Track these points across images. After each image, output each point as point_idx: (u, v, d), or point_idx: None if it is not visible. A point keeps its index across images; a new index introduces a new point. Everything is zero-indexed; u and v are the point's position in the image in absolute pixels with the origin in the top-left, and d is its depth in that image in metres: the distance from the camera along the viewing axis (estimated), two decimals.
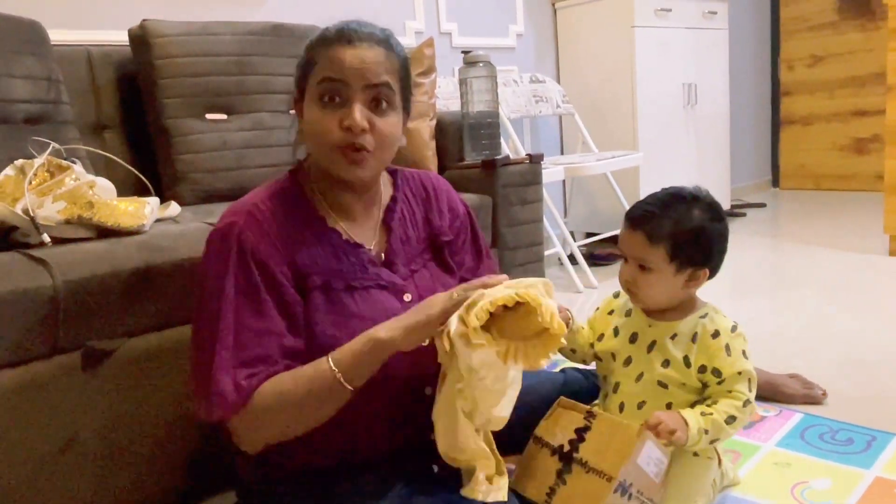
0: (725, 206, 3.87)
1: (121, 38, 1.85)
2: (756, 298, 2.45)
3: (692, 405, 1.12)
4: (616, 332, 1.21)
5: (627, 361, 1.18)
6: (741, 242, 3.43)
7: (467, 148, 1.98)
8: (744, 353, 1.11)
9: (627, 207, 3.17)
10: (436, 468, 1.06)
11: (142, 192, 1.55)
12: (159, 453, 1.21)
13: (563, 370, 1.43)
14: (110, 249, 1.19)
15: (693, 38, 3.49)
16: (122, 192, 1.42)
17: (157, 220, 1.44)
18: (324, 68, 1.00)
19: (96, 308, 1.12)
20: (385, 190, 1.17)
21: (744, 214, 4.05)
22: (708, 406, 1.09)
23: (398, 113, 1.05)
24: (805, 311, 2.24)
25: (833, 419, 1.48)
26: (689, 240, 1.10)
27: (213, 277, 0.98)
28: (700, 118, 3.57)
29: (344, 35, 1.00)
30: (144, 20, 1.80)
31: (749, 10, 4.54)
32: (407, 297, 1.09)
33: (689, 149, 3.55)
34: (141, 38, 1.79)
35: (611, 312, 1.24)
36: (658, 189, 1.17)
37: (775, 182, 4.94)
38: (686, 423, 1.05)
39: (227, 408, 0.94)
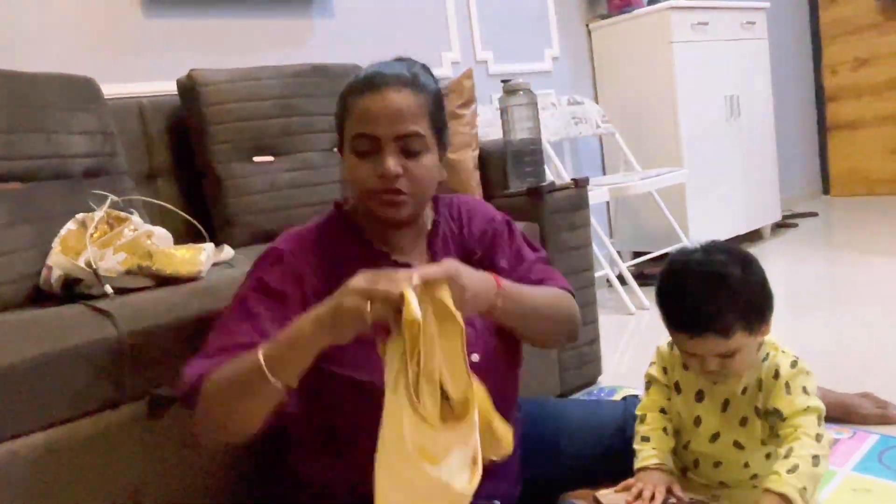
0: (776, 217, 3.78)
1: (169, 87, 1.90)
2: (816, 314, 2.37)
3: (766, 456, 1.08)
4: (678, 388, 1.15)
5: (697, 421, 1.12)
6: (795, 255, 3.34)
7: (511, 176, 1.98)
8: (805, 389, 1.04)
9: (676, 226, 3.12)
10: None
11: (196, 236, 1.58)
12: (223, 496, 1.22)
13: (623, 398, 1.40)
14: (170, 298, 1.22)
15: (733, 49, 3.44)
16: (176, 239, 1.45)
17: (213, 265, 1.46)
18: (356, 122, 1.03)
19: (159, 356, 1.14)
20: (428, 218, 1.18)
21: (796, 225, 3.94)
22: (785, 458, 1.00)
23: (433, 153, 1.06)
24: (870, 324, 2.16)
25: None
26: (756, 305, 1.04)
27: (245, 277, 1.07)
28: (744, 130, 3.51)
29: (371, 82, 1.03)
30: (192, 70, 1.85)
31: (788, 17, 4.47)
32: None
33: (735, 161, 3.48)
34: (189, 87, 1.84)
35: (664, 369, 1.19)
36: (702, 238, 1.09)
37: (826, 190, 4.81)
38: (788, 498, 0.96)
39: (182, 388, 0.96)
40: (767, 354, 1.09)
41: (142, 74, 2.05)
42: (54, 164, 1.47)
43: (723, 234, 3.42)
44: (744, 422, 1.08)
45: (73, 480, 1.06)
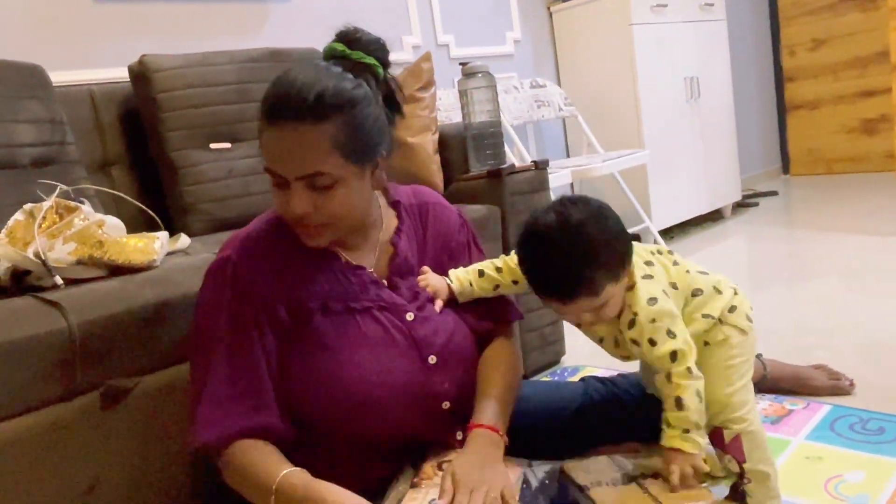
0: (736, 196, 3.84)
1: (121, 74, 1.86)
2: (775, 289, 2.42)
3: None
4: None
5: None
6: (755, 233, 3.40)
7: (472, 159, 1.98)
8: (650, 340, 1.04)
9: (638, 206, 3.16)
10: None
11: (152, 226, 1.55)
12: (182, 487, 1.21)
13: (583, 379, 1.42)
14: (123, 287, 1.19)
15: (692, 31, 3.47)
16: (132, 228, 1.42)
17: (169, 254, 1.44)
18: (263, 153, 0.97)
19: (112, 347, 1.12)
20: (386, 213, 1.17)
21: (756, 204, 4.01)
22: (663, 411, 1.06)
23: (347, 182, 0.99)
24: (826, 299, 2.21)
25: (862, 409, 1.45)
26: (616, 257, 1.04)
27: (209, 311, 1.02)
28: (704, 111, 3.55)
29: (272, 111, 0.94)
30: (143, 55, 1.81)
31: None
32: (409, 317, 1.10)
33: (696, 142, 3.53)
34: (141, 74, 1.80)
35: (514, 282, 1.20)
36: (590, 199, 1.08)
37: (785, 169, 4.90)
38: (684, 452, 1.02)
39: (204, 449, 0.98)
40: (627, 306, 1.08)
41: (92, 61, 2.00)
42: (0, 153, 1.43)
43: (684, 213, 3.48)
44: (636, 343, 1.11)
45: (28, 474, 1.04)
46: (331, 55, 1.05)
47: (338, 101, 0.95)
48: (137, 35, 2.09)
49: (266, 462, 0.96)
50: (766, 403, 1.53)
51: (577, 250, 1.00)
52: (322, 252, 1.08)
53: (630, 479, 1.15)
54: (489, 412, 1.07)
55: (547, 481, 1.09)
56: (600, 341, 1.18)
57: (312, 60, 1.06)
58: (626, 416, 1.29)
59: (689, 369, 1.04)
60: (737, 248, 3.25)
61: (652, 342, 1.05)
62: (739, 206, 3.95)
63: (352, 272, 1.09)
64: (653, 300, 1.06)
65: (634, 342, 1.07)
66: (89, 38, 2.01)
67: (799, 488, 1.21)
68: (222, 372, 1.00)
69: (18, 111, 1.49)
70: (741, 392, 1.11)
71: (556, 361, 1.98)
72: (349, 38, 1.06)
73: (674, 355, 1.04)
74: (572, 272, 1.01)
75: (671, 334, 1.05)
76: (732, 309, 1.12)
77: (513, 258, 1.20)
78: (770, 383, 1.56)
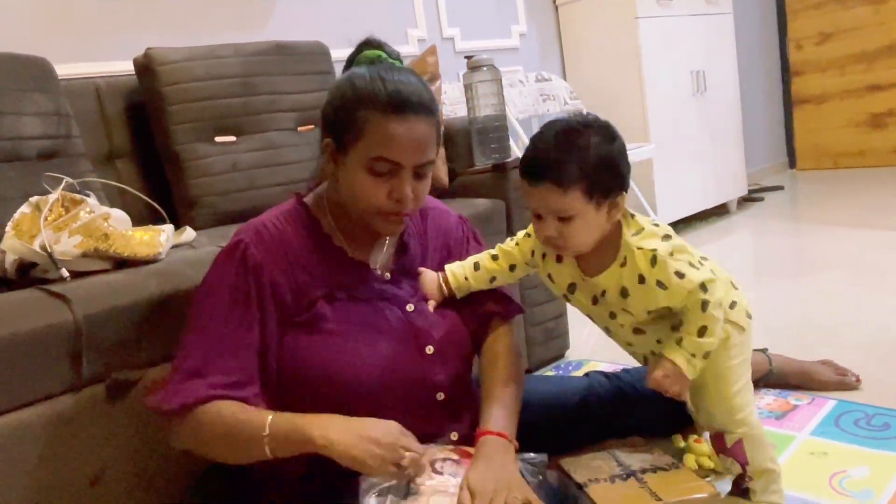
0: (742, 191, 3.83)
1: (127, 67, 1.86)
2: (780, 284, 2.41)
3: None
4: (550, 278, 1.17)
5: (589, 311, 1.17)
6: (761, 227, 3.39)
7: (477, 153, 1.97)
8: (677, 273, 1.02)
9: (643, 200, 3.16)
10: None
11: (157, 219, 1.56)
12: (186, 478, 1.21)
13: (587, 374, 1.42)
14: (128, 280, 1.20)
15: (698, 24, 3.46)
16: (137, 221, 1.43)
17: (174, 247, 1.45)
18: (377, 145, 1.01)
19: (118, 339, 1.13)
20: None
21: (762, 199, 4.00)
22: (676, 333, 1.06)
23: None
24: (832, 294, 2.21)
25: (868, 404, 1.45)
26: (602, 171, 1.02)
27: (213, 284, 1.05)
28: (711, 105, 3.54)
29: (397, 106, 1.01)
30: (149, 48, 1.81)
31: None
32: (409, 308, 1.12)
33: (702, 136, 3.51)
34: (146, 67, 1.80)
35: (544, 256, 1.17)
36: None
37: (792, 163, 4.88)
38: (675, 364, 1.03)
39: (175, 405, 0.99)
40: (625, 259, 1.06)
41: (97, 54, 2.00)
42: (6, 146, 1.43)
43: (690, 208, 3.47)
44: (612, 315, 1.12)
45: (35, 465, 1.05)
46: (375, 61, 1.09)
47: (433, 98, 1.07)
48: (143, 28, 2.08)
49: (250, 412, 0.99)
50: (771, 398, 1.53)
51: (566, 137, 1.02)
52: (330, 247, 1.10)
53: (629, 474, 1.16)
54: (497, 417, 1.07)
55: (541, 476, 1.08)
56: (593, 300, 1.14)
57: (403, 65, 1.11)
58: (630, 411, 1.29)
59: (720, 300, 1.04)
60: (742, 242, 3.24)
61: (679, 274, 1.02)
62: (745, 200, 3.94)
63: (357, 267, 1.11)
64: (667, 237, 1.06)
65: (659, 284, 1.03)
66: (95, 32, 2.01)
67: (803, 483, 1.21)
68: (213, 342, 1.02)
69: (25, 104, 1.49)
70: (742, 393, 1.11)
71: (561, 356, 1.98)
72: (377, 44, 1.13)
73: (703, 285, 1.02)
74: (551, 152, 1.02)
75: (693, 266, 1.04)
76: (733, 305, 1.11)
77: (508, 243, 1.20)
78: (775, 378, 1.56)
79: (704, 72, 3.47)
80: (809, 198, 3.95)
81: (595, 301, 1.13)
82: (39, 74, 1.59)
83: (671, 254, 1.03)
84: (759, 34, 4.59)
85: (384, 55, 1.11)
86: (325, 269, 1.08)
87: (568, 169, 1.00)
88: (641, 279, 1.04)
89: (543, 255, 1.17)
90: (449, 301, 1.17)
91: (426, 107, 1.03)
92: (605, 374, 1.37)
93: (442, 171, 1.94)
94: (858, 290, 2.20)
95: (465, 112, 2.09)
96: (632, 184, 3.11)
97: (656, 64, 3.23)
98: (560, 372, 1.88)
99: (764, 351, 1.58)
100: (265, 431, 0.94)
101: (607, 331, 1.19)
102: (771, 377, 1.56)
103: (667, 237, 1.06)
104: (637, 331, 1.12)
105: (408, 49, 2.78)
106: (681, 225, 3.52)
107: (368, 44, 1.13)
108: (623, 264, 1.06)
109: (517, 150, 2.64)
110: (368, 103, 1.01)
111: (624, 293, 1.07)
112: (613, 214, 1.05)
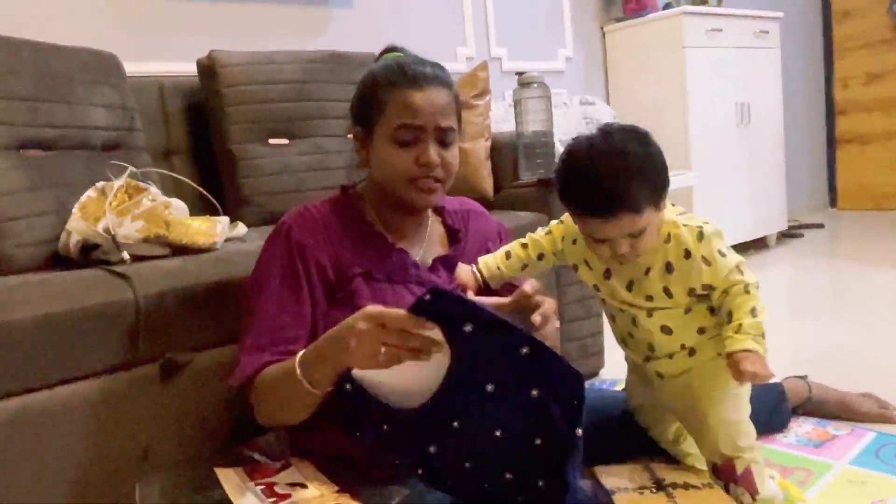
0: (782, 226, 3.79)
1: (189, 68, 1.93)
2: (819, 319, 2.38)
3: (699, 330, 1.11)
4: (587, 264, 1.16)
5: (619, 304, 1.15)
6: (800, 264, 3.35)
7: (522, 167, 2.00)
8: (720, 251, 1.04)
9: None
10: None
11: (210, 214, 1.60)
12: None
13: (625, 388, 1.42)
14: (186, 266, 1.24)
15: (745, 57, 3.46)
16: (191, 214, 1.47)
17: (226, 240, 1.49)
18: (398, 114, 1.09)
19: (174, 322, 1.17)
20: (433, 217, 1.25)
21: (801, 235, 3.95)
22: (729, 322, 1.03)
23: (456, 142, 1.15)
24: (871, 330, 2.17)
25: None
26: (657, 176, 1.03)
27: (264, 265, 1.11)
28: (754, 137, 3.53)
29: (413, 78, 1.09)
30: (212, 51, 1.88)
31: (801, 29, 4.48)
32: None
33: (743, 168, 3.50)
34: (208, 68, 1.87)
35: (574, 241, 1.17)
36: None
37: (833, 202, 4.82)
38: (756, 353, 0.99)
39: (240, 379, 1.04)
40: (669, 235, 1.07)
41: (163, 54, 2.09)
42: (75, 134, 1.49)
43: (728, 238, 3.43)
44: (649, 298, 1.10)
45: (88, 435, 1.09)
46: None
47: (450, 76, 1.15)
48: (207, 32, 2.17)
49: (285, 362, 1.01)
50: (810, 427, 1.51)
51: (621, 163, 1.00)
52: (371, 233, 1.15)
53: (659, 488, 1.15)
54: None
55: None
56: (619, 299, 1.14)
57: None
58: None
59: (756, 282, 1.05)
60: (781, 276, 3.20)
61: (721, 253, 1.05)
62: (784, 235, 3.90)
63: (396, 253, 1.15)
64: (706, 222, 1.07)
65: (704, 259, 1.04)
66: (162, 33, 2.10)
67: None
68: (267, 318, 1.06)
69: (94, 96, 1.56)
70: (749, 418, 1.12)
71: (595, 374, 1.97)
72: (399, 49, 1.21)
73: (739, 267, 1.04)
74: (616, 183, 0.99)
75: (724, 253, 1.06)
76: None
77: (538, 234, 1.21)
78: (813, 406, 1.55)
79: (749, 104, 3.47)
80: (850, 237, 3.90)
81: (630, 287, 1.11)
82: (109, 69, 1.66)
83: (716, 233, 1.07)
84: (806, 71, 4.57)
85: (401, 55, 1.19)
86: (366, 252, 1.13)
87: (640, 194, 1.01)
88: (687, 254, 1.06)
89: (574, 241, 1.16)
90: (483, 293, 1.19)
91: (441, 78, 1.11)
92: None
93: (487, 182, 1.97)
94: None
95: (509, 129, 2.13)
96: None
97: (701, 93, 3.24)
98: (595, 388, 1.87)
99: (804, 378, 1.57)
100: (297, 369, 0.96)
101: (629, 336, 1.18)
102: (809, 404, 1.54)
103: (706, 222, 1.08)
104: (665, 329, 1.11)
105: (456, 66, 2.83)
106: None
107: (390, 49, 1.21)
108: (667, 241, 1.07)
109: None
110: (387, 83, 1.10)
111: (669, 268, 1.07)
112: (662, 208, 1.07)
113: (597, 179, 1.00)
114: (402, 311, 0.86)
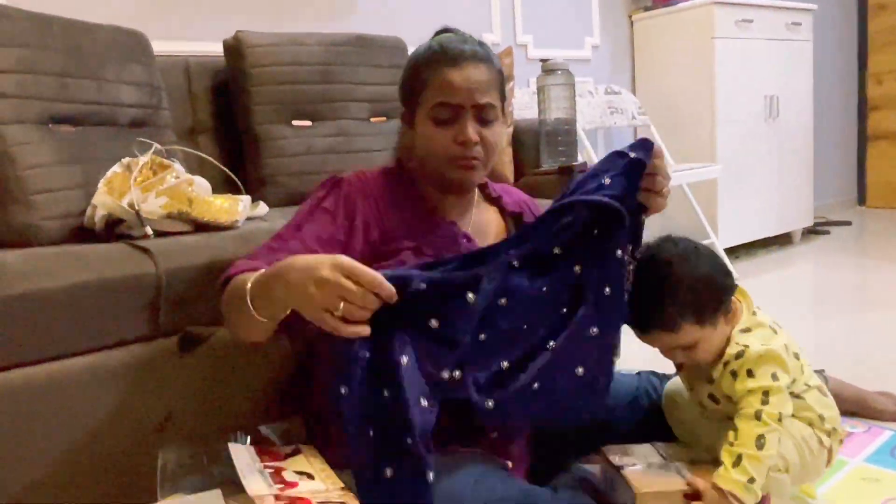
0: (808, 222, 3.73)
1: (215, 49, 1.95)
2: (841, 317, 2.35)
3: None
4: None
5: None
6: (825, 261, 3.31)
7: (544, 155, 2.00)
8: (750, 372, 1.06)
9: (705, 222, 3.09)
10: (509, 463, 1.08)
11: (232, 192, 1.63)
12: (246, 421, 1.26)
13: (638, 373, 1.42)
14: (207, 242, 1.26)
15: (776, 49, 3.41)
16: (214, 192, 1.49)
17: (248, 219, 1.51)
18: (437, 93, 1.10)
19: (195, 296, 1.19)
20: (479, 198, 1.26)
21: (827, 232, 3.90)
22: (730, 446, 1.03)
23: (500, 122, 1.16)
24: (893, 329, 2.14)
25: None
26: (700, 296, 1.07)
27: (303, 206, 1.14)
28: (782, 131, 3.48)
29: (452, 57, 1.10)
30: (238, 31, 1.89)
31: (835, 22, 4.39)
32: None
33: (770, 162, 3.45)
34: (235, 48, 1.89)
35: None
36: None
37: (861, 200, 4.74)
38: (737, 499, 0.99)
39: (221, 279, 1.03)
40: (727, 359, 1.10)
41: (190, 34, 2.11)
42: (104, 110, 1.52)
43: (752, 233, 3.40)
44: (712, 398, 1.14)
45: (108, 403, 1.12)
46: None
47: (497, 59, 1.17)
48: (234, 13, 2.18)
49: (247, 275, 0.97)
50: None
51: (656, 284, 1.07)
52: (423, 206, 1.17)
53: (667, 464, 1.16)
54: None
55: None
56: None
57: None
58: None
59: (781, 416, 1.03)
60: (805, 273, 3.17)
61: (750, 373, 1.05)
62: (810, 232, 3.85)
63: (445, 224, 1.17)
64: (766, 345, 1.08)
65: (732, 373, 1.08)
66: (189, 13, 2.12)
67: None
68: (282, 237, 1.09)
69: (122, 73, 1.58)
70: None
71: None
72: (452, 31, 1.21)
73: (767, 395, 1.03)
74: (648, 304, 1.07)
75: (775, 377, 1.05)
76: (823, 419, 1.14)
77: None
78: None
79: (778, 97, 3.42)
80: (878, 235, 3.83)
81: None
82: (138, 48, 1.68)
83: (760, 356, 1.06)
84: (838, 65, 4.49)
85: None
86: (416, 225, 1.14)
87: (668, 313, 1.05)
88: (726, 364, 1.09)
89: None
90: None
91: (480, 55, 1.11)
92: (657, 374, 1.37)
93: (508, 169, 1.97)
94: None
95: (532, 117, 2.12)
96: (693, 204, 3.09)
97: (730, 85, 3.20)
98: None
99: (821, 372, 1.56)
100: (248, 287, 0.93)
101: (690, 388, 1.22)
102: None
103: (766, 345, 1.08)
104: (712, 397, 1.15)
105: None
106: (742, 251, 3.46)
107: (442, 31, 1.21)
108: (726, 364, 1.10)
109: (582, 158, 2.65)
110: (427, 63, 1.12)
111: (710, 379, 1.12)
112: (731, 317, 1.11)
113: (637, 297, 1.07)
114: (377, 273, 0.84)
